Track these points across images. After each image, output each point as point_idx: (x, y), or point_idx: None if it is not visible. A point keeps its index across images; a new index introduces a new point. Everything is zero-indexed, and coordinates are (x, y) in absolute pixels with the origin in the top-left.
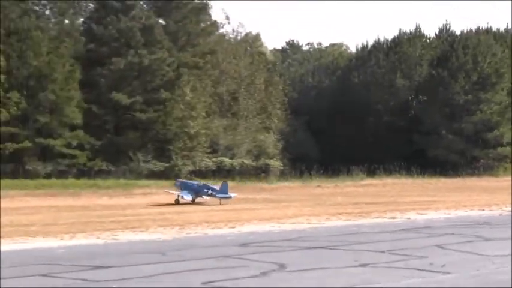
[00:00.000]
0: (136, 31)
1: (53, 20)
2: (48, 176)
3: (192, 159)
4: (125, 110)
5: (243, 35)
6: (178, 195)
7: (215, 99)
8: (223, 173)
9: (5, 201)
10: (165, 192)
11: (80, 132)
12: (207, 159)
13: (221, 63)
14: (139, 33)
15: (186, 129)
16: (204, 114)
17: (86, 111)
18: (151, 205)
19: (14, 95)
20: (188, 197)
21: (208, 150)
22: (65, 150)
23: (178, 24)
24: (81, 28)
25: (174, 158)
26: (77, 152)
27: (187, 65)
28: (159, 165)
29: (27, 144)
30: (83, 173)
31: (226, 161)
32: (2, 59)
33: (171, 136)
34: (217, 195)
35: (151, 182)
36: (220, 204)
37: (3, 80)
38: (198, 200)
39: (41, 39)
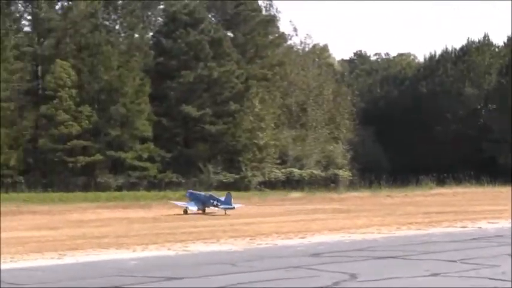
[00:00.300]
0: (205, 44)
1: (122, 35)
2: (119, 188)
3: (261, 170)
4: (194, 122)
5: (310, 46)
6: (186, 207)
7: (284, 111)
8: (292, 183)
9: (78, 213)
10: (172, 204)
11: (151, 145)
12: (277, 170)
13: (289, 75)
14: (208, 46)
15: (255, 141)
16: (273, 125)
17: (156, 124)
18: (221, 216)
19: (86, 109)
20: (193, 208)
21: (278, 161)
22: (136, 163)
23: (246, 37)
24: (151, 42)
25: (243, 169)
26: (147, 165)
27: (255, 77)
28: (229, 177)
29: (98, 157)
30: (154, 185)
31: (296, 171)
32: (73, 73)
33: (241, 147)
34: (221, 206)
35: (222, 193)
36: (225, 214)
37: (74, 95)
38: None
39: (111, 53)
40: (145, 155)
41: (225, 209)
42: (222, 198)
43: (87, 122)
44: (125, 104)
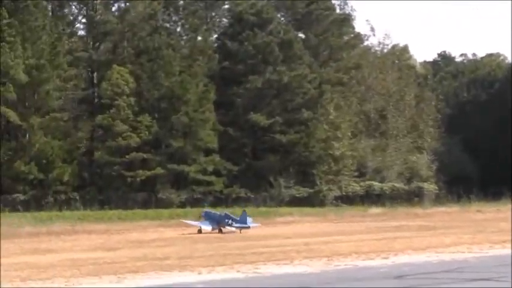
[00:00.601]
0: (274, 46)
1: (184, 37)
2: (182, 204)
3: (337, 183)
4: (263, 131)
5: (389, 47)
6: (200, 226)
7: (361, 118)
8: (372, 198)
9: (138, 232)
10: (184, 224)
11: (216, 157)
12: (354, 184)
13: (367, 79)
14: (278, 49)
15: (330, 151)
16: (349, 134)
17: (222, 134)
18: (294, 234)
19: (145, 119)
20: (207, 227)
21: (355, 174)
22: (200, 177)
23: (319, 38)
24: (215, 45)
25: (318, 182)
26: (212, 178)
27: (330, 82)
28: (302, 191)
29: (159, 170)
30: (220, 200)
31: (376, 184)
32: (131, 80)
33: (314, 159)
34: (235, 225)
35: (294, 209)
36: (240, 233)
37: (133, 103)
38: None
39: (172, 58)
40: (210, 168)
41: (240, 228)
42: (237, 218)
43: (146, 132)
44: (188, 113)
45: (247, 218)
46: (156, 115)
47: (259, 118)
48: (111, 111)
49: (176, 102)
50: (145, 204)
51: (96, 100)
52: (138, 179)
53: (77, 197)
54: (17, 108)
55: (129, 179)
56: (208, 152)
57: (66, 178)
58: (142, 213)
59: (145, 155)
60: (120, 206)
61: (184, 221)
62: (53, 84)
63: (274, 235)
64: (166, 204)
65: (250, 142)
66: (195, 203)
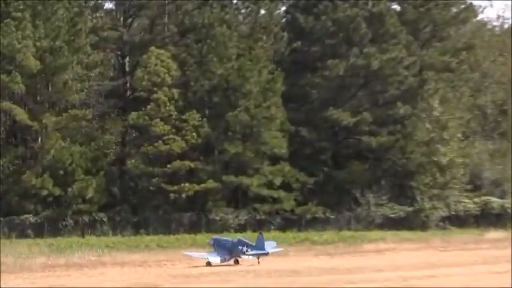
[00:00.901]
0: (360, 22)
1: (243, 11)
2: (241, 228)
3: (444, 200)
4: (347, 132)
5: (511, 21)
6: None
7: (475, 114)
8: (489, 218)
9: (183, 264)
10: (184, 256)
11: (285, 166)
12: (467, 200)
13: (482, 63)
14: (365, 25)
15: (434, 158)
16: (459, 135)
17: (293, 136)
18: (388, 267)
19: (193, 117)
20: (216, 259)
21: (468, 187)
22: (265, 192)
23: (419, 10)
24: (283, 20)
25: (418, 198)
26: (281, 194)
27: (433, 67)
28: (397, 210)
29: (211, 184)
30: (290, 222)
31: (494, 201)
32: (174, 67)
33: (414, 168)
34: (251, 252)
35: (388, 233)
36: (258, 263)
37: (177, 97)
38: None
39: (227, 37)
40: (277, 181)
41: (258, 255)
42: (253, 243)
43: (194, 135)
44: (248, 109)
45: (265, 242)
46: (207, 112)
47: (341, 115)
48: (148, 107)
49: (232, 95)
50: (193, 228)
51: (128, 93)
52: (183, 195)
53: (104, 219)
54: (26, 104)
55: (172, 195)
56: (275, 160)
57: (89, 194)
58: (189, 238)
59: (192, 164)
60: (160, 230)
61: (186, 252)
62: (72, 73)
63: (362, 267)
64: (220, 227)
65: (329, 146)
66: (258, 225)
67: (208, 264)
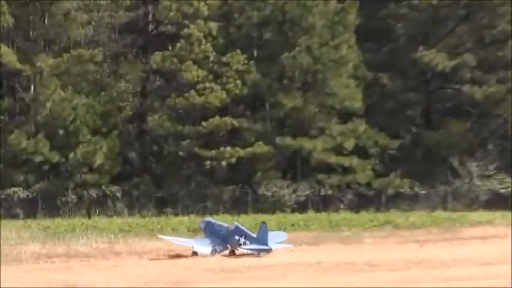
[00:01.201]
0: None
1: None
2: (301, 206)
3: None
4: (442, 80)
5: None
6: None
7: None
8: None
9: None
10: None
11: (360, 125)
12: None
13: None
14: None
15: None
16: None
17: (370, 86)
18: (498, 258)
19: (236, 59)
20: (203, 248)
21: None
22: (332, 159)
23: None
24: None
25: None
26: (353, 162)
27: None
28: (508, 183)
29: (260, 147)
30: (366, 199)
31: None
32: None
33: None
34: (249, 247)
35: (497, 213)
36: (259, 257)
37: (215, 32)
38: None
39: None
40: (349, 145)
41: (258, 251)
42: (254, 234)
43: (238, 83)
44: (311, 49)
45: (268, 233)
46: (255, 53)
47: (434, 57)
48: (178, 46)
49: (290, 31)
50: (236, 206)
51: (150, 27)
52: (223, 163)
53: (118, 194)
54: (15, 42)
55: (208, 163)
56: (346, 117)
57: (98, 161)
58: (231, 220)
59: (236, 122)
60: (192, 209)
61: (161, 236)
62: (75, 1)
63: (462, 260)
64: (271, 204)
65: (419, 99)
66: (323, 204)
67: (194, 254)
